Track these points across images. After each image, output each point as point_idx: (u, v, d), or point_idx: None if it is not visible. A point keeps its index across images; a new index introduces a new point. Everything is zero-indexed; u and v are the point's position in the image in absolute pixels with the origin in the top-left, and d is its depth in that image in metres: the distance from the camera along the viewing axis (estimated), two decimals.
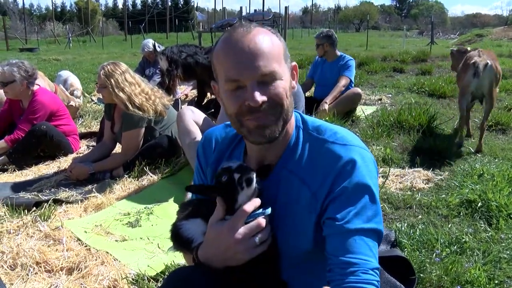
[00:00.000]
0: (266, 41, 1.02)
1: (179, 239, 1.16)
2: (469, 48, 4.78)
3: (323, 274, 1.10)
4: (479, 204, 2.61)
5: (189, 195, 2.77)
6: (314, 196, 1.04)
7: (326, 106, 4.71)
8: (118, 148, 3.69)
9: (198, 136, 3.08)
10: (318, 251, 1.09)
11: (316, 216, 1.05)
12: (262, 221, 1.03)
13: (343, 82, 5.00)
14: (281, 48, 1.06)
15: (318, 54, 5.34)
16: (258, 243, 1.03)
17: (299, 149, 1.11)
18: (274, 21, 11.96)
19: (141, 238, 2.45)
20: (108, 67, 3.26)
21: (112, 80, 3.20)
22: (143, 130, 3.35)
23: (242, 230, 1.02)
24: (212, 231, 1.05)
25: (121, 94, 3.20)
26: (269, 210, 1.07)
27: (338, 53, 5.24)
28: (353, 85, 5.25)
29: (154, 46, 6.31)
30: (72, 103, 5.02)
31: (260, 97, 0.99)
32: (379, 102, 6.26)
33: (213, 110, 4.96)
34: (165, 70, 4.98)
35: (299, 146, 1.11)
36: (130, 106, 3.22)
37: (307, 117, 1.18)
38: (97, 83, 3.34)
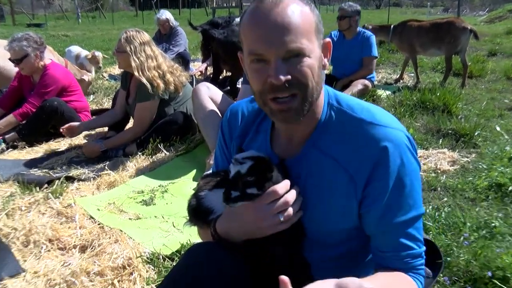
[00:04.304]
0: (296, 14, 0.94)
1: (198, 209, 1.12)
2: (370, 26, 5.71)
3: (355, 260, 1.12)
4: (510, 188, 2.49)
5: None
6: (352, 180, 1.00)
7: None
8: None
9: (214, 112, 2.98)
10: (352, 237, 1.08)
11: (356, 202, 1.01)
12: (289, 199, 0.99)
13: (371, 65, 4.76)
14: (313, 22, 0.97)
15: (341, 27, 4.87)
16: (282, 220, 0.99)
17: (332, 128, 1.04)
18: None
19: (155, 217, 2.38)
20: (131, 32, 3.24)
21: (131, 46, 3.18)
22: (157, 103, 3.27)
23: (268, 207, 0.99)
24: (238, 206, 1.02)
25: (135, 62, 3.18)
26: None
27: (358, 29, 4.96)
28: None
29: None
30: (84, 77, 4.93)
31: (283, 75, 0.93)
32: (401, 81, 6.05)
33: (229, 87, 4.83)
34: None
35: (331, 125, 1.05)
36: (140, 76, 3.18)
37: (341, 94, 1.10)
38: (116, 47, 3.29)
